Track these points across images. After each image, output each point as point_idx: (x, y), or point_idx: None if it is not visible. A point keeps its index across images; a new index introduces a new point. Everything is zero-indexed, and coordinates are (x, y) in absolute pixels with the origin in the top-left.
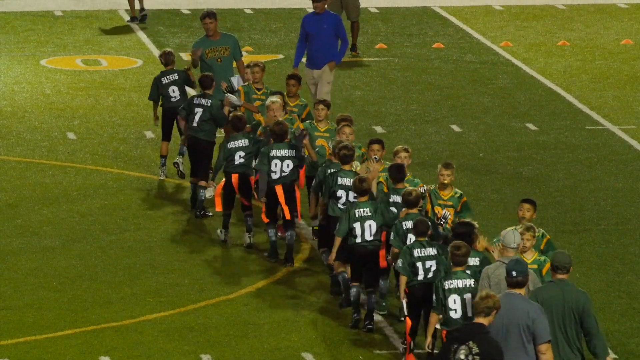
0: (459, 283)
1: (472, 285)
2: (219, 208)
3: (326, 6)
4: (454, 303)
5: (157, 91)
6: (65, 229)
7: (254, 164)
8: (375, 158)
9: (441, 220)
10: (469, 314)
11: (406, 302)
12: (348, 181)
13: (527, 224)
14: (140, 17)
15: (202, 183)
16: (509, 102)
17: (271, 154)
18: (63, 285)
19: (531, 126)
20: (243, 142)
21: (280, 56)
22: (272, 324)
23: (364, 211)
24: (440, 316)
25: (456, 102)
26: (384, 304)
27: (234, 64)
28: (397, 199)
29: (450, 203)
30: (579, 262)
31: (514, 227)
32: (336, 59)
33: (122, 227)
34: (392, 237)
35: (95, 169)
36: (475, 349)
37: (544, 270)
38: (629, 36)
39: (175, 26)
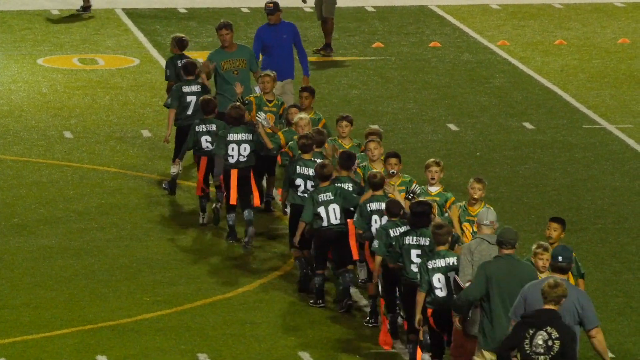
0: (442, 262)
1: (456, 264)
2: (199, 192)
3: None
4: (439, 282)
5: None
6: (62, 228)
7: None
8: (393, 172)
9: (409, 195)
10: (454, 292)
11: (381, 282)
12: (307, 170)
13: (544, 243)
14: (83, 8)
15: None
16: (506, 101)
17: (228, 138)
18: (60, 284)
19: (528, 125)
20: (211, 127)
21: None
22: (269, 323)
23: (326, 195)
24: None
25: (453, 101)
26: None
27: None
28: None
29: None
30: (577, 256)
31: (488, 206)
32: (308, 74)
33: (119, 226)
34: (355, 217)
35: (92, 168)
36: (555, 334)
37: None
38: (626, 35)
39: (172, 25)
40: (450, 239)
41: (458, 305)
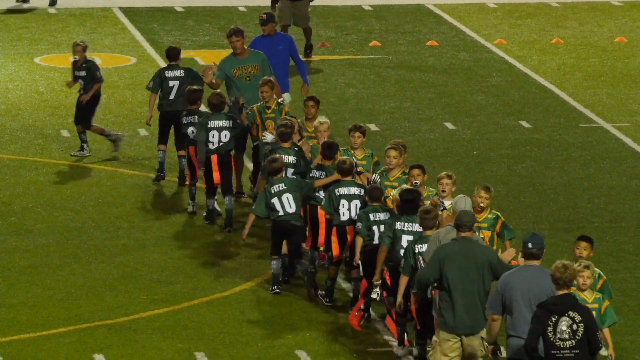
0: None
1: None
2: (189, 181)
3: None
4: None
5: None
6: (59, 226)
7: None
8: (416, 183)
9: (370, 182)
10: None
11: (362, 263)
12: (287, 158)
13: (586, 262)
14: (51, 1)
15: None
16: (503, 100)
17: (209, 125)
18: (57, 282)
19: (525, 124)
20: (194, 119)
21: None
22: (266, 321)
23: (279, 187)
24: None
25: (450, 99)
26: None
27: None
28: (317, 173)
29: (484, 225)
30: (572, 260)
31: (462, 195)
32: (307, 82)
33: (116, 224)
34: (323, 202)
35: (89, 167)
36: (578, 318)
37: (603, 308)
38: (623, 34)
39: (169, 24)
40: (438, 223)
41: (418, 284)
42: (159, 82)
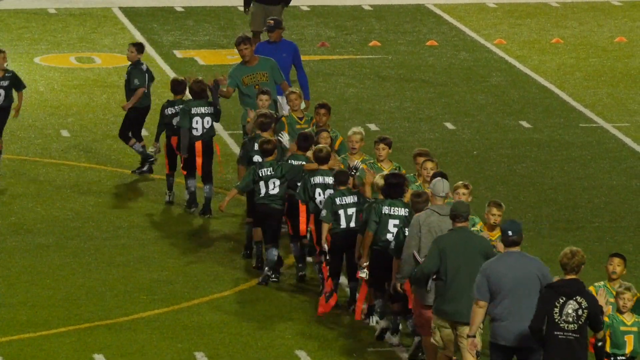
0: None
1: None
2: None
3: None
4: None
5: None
6: (59, 226)
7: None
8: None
9: (352, 171)
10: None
11: (328, 249)
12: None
13: (627, 283)
14: None
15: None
16: (503, 100)
17: (192, 112)
18: (57, 282)
19: (525, 124)
20: (177, 109)
21: None
22: (266, 321)
23: (267, 170)
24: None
25: (450, 99)
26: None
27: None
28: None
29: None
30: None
31: (440, 177)
32: (308, 98)
33: (116, 224)
34: (298, 190)
35: (88, 167)
36: (585, 303)
37: None
38: (623, 34)
39: (168, 24)
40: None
41: (417, 279)
42: (143, 77)
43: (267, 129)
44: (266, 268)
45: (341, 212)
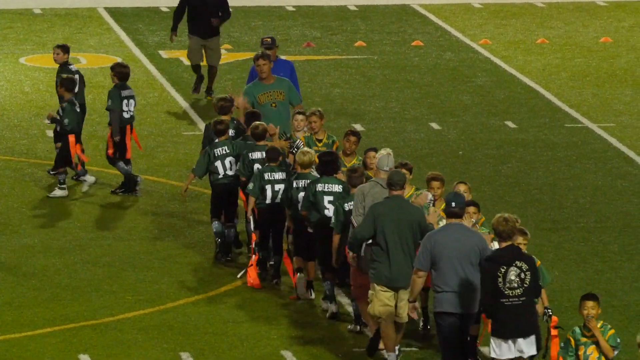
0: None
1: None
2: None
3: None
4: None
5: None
6: (45, 226)
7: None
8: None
9: (293, 149)
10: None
11: (253, 220)
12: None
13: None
14: None
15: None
16: (488, 100)
17: (122, 95)
18: (42, 283)
19: (510, 124)
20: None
21: None
22: (252, 322)
23: (222, 149)
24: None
25: (435, 100)
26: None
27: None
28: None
29: None
30: (557, 259)
31: (387, 152)
32: (301, 102)
33: (102, 224)
34: (238, 166)
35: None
36: (525, 266)
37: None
38: (608, 34)
39: (154, 24)
40: (364, 181)
41: (351, 244)
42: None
43: (227, 113)
44: (219, 246)
45: (268, 187)
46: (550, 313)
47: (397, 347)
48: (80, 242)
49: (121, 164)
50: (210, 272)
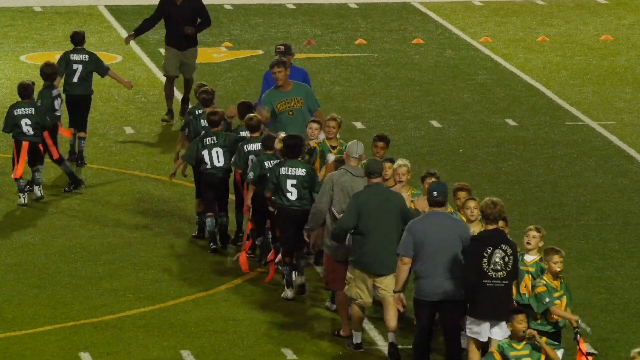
0: None
1: None
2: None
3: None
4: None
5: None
6: (45, 224)
7: None
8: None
9: (305, 155)
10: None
11: (252, 208)
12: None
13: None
14: None
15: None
16: (489, 98)
17: (54, 94)
18: (42, 281)
19: (511, 122)
20: (30, 110)
21: (260, 52)
22: (252, 319)
23: (211, 139)
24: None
25: (436, 97)
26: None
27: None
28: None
29: (532, 269)
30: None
31: (356, 140)
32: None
33: (102, 222)
34: (233, 158)
35: (74, 165)
36: (510, 250)
37: None
38: (608, 32)
39: None
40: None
41: (336, 235)
42: (64, 64)
43: (209, 105)
44: (207, 235)
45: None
46: (579, 332)
47: (393, 334)
48: (81, 241)
49: (67, 163)
50: (211, 270)
